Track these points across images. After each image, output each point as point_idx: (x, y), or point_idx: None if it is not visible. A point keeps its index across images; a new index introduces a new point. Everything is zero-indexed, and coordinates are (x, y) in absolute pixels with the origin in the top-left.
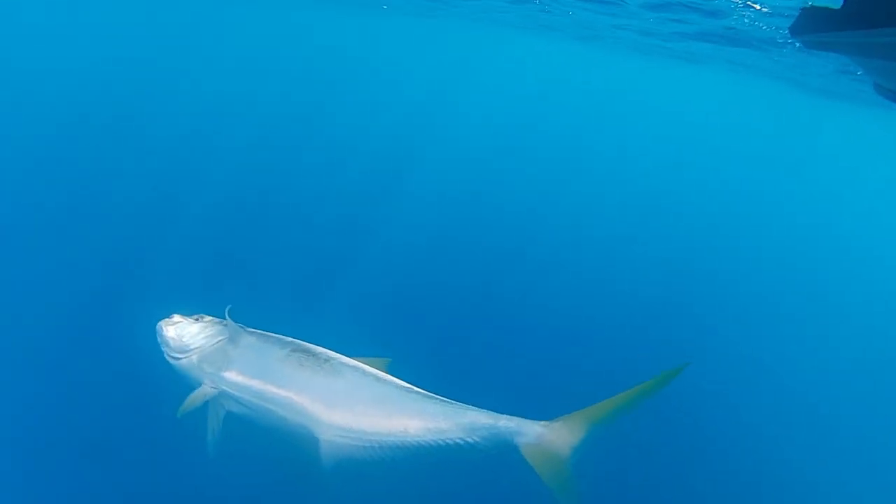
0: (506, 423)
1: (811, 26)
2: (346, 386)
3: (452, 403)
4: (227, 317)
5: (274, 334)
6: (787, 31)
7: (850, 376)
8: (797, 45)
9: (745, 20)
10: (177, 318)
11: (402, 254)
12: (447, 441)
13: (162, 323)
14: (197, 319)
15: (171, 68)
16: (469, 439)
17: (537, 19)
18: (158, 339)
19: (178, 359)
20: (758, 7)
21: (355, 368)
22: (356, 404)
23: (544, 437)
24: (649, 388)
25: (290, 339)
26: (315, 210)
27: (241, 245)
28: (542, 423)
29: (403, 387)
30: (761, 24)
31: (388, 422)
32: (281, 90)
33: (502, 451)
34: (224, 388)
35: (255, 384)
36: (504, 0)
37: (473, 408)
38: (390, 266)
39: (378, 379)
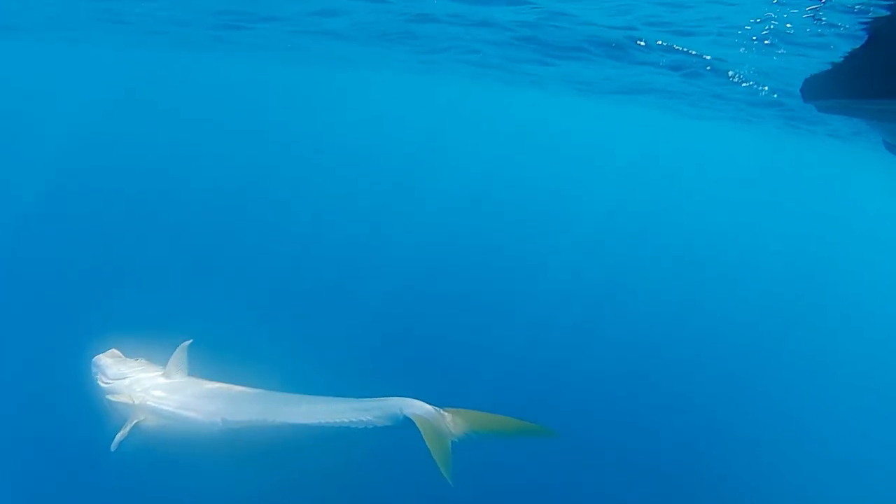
0: (396, 400)
1: (822, 92)
2: (255, 393)
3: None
4: (182, 351)
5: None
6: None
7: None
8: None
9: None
10: (115, 352)
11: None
12: (342, 421)
13: (100, 356)
14: (136, 359)
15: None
16: (363, 417)
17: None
18: (93, 368)
19: (110, 383)
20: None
21: (263, 391)
22: (260, 403)
23: (432, 415)
24: (529, 429)
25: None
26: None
27: (213, 294)
28: (432, 406)
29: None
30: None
31: (290, 409)
32: (269, 145)
33: (394, 426)
34: (148, 402)
35: (176, 396)
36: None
37: (366, 399)
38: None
39: (289, 393)
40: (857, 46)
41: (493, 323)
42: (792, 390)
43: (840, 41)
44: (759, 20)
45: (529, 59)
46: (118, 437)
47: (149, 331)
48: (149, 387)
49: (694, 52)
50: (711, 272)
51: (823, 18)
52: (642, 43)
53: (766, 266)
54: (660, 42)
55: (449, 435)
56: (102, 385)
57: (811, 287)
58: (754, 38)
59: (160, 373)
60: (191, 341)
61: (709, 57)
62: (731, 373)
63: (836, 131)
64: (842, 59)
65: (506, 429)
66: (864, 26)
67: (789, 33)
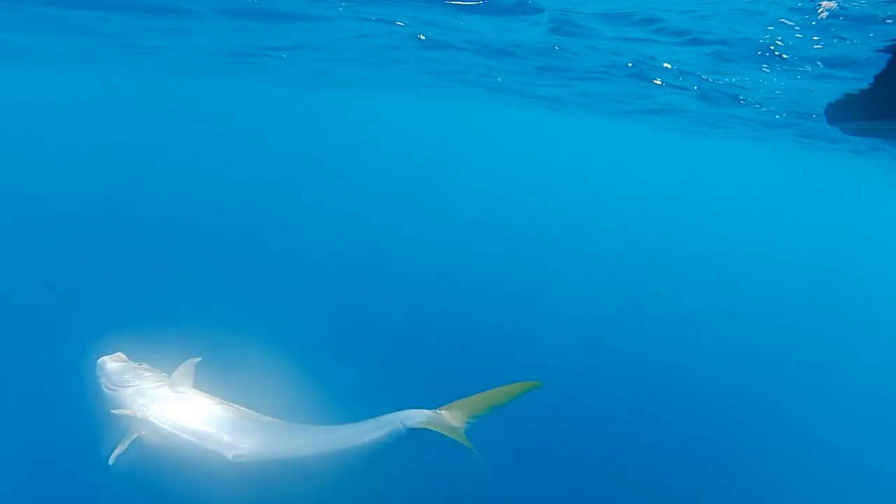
0: (394, 416)
1: (847, 114)
2: (260, 421)
3: (354, 424)
4: (189, 365)
5: (210, 394)
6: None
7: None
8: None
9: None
10: (121, 356)
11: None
12: (345, 447)
13: (105, 358)
14: (140, 364)
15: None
16: (365, 439)
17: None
18: (98, 372)
19: (114, 390)
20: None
21: (266, 417)
22: (265, 433)
23: (433, 417)
24: (517, 391)
25: (224, 400)
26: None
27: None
28: (428, 410)
29: (312, 424)
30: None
31: (296, 440)
32: (283, 165)
33: (399, 440)
34: (150, 417)
35: (179, 416)
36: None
37: (367, 420)
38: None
39: (291, 422)
40: (883, 66)
41: (506, 342)
42: (818, 406)
43: (865, 60)
44: (771, 27)
45: (544, 83)
46: (117, 450)
47: (157, 335)
48: (151, 399)
49: (708, 78)
50: (731, 287)
51: (846, 37)
52: (668, 65)
53: (786, 280)
54: (667, 65)
55: (455, 428)
56: (106, 391)
57: (832, 299)
58: (774, 51)
59: (164, 383)
60: (199, 359)
61: (725, 81)
62: (748, 387)
63: (856, 147)
64: (867, 79)
65: (497, 400)
66: (888, 45)
67: (806, 51)
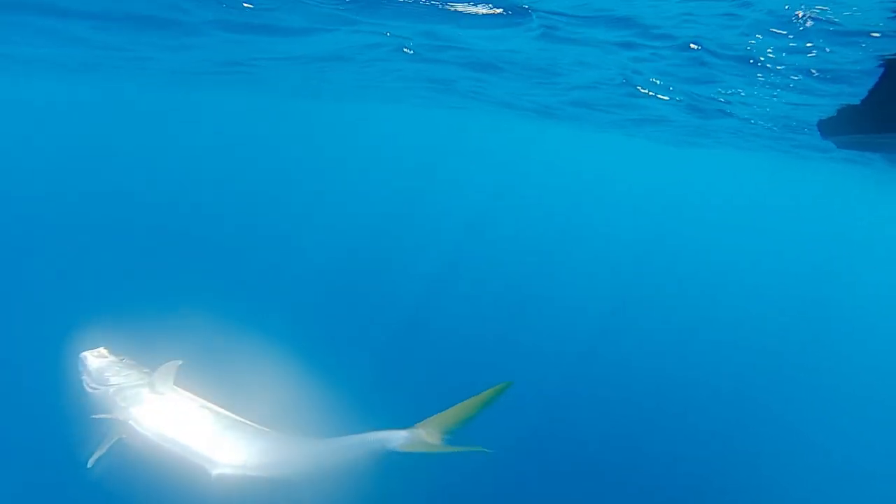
0: (376, 438)
1: (839, 129)
2: (240, 432)
3: (335, 439)
4: (171, 367)
5: (191, 394)
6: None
7: None
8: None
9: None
10: (103, 351)
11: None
12: (327, 466)
13: (87, 353)
14: (121, 359)
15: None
16: (347, 456)
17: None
18: (80, 367)
19: (95, 388)
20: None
21: (248, 424)
22: (248, 447)
23: (410, 438)
24: (490, 397)
25: (206, 402)
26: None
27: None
28: (404, 429)
29: (295, 436)
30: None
31: (280, 456)
32: (277, 174)
33: (379, 461)
34: (131, 422)
35: (160, 423)
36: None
37: (348, 437)
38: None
39: (270, 432)
40: (875, 80)
41: (499, 349)
42: (812, 410)
43: (857, 73)
44: (759, 34)
45: (535, 93)
46: (96, 453)
47: (147, 332)
48: (132, 402)
49: (702, 94)
50: (726, 294)
51: (835, 50)
52: (655, 80)
53: (780, 287)
54: (654, 80)
55: (434, 445)
56: (87, 390)
57: (825, 304)
58: (765, 63)
59: (144, 382)
60: (181, 362)
61: (723, 96)
62: (744, 391)
63: (847, 156)
64: (860, 93)
65: (472, 409)
66: (879, 58)
67: (798, 62)
